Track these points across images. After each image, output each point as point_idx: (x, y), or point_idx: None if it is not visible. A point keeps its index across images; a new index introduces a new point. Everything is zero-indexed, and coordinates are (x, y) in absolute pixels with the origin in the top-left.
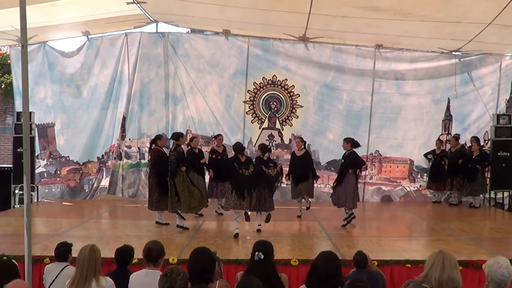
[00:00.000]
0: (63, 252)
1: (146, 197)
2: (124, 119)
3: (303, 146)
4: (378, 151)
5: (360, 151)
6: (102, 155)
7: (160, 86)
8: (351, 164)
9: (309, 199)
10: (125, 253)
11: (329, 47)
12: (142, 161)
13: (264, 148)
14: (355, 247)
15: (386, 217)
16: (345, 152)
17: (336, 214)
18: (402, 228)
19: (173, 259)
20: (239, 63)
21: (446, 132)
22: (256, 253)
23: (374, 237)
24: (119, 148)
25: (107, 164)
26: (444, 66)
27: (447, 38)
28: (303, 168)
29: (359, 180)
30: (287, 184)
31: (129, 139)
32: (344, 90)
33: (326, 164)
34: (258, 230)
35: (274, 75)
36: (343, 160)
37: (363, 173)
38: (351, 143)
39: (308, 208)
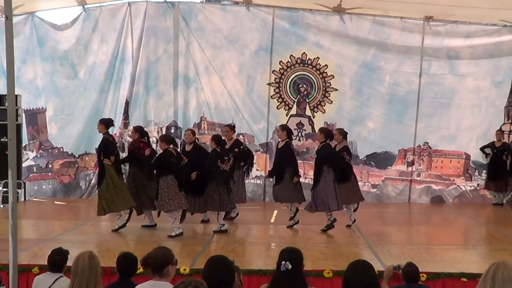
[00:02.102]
0: (58, 261)
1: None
2: (127, 104)
3: (285, 137)
4: (427, 143)
5: (406, 143)
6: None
7: (169, 65)
8: (324, 159)
9: (293, 206)
10: (128, 261)
11: (369, 19)
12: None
13: (218, 140)
14: (399, 256)
15: (437, 221)
16: (318, 146)
17: (377, 217)
18: (456, 234)
19: (184, 269)
20: (262, 39)
21: (510, 121)
22: (283, 262)
23: (423, 245)
24: (122, 138)
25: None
26: (506, 42)
27: (511, 9)
28: (278, 165)
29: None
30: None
31: (133, 127)
32: (387, 70)
33: (365, 158)
34: (215, 231)
35: (304, 53)
36: (315, 156)
37: (409, 168)
38: (325, 133)
39: (291, 220)
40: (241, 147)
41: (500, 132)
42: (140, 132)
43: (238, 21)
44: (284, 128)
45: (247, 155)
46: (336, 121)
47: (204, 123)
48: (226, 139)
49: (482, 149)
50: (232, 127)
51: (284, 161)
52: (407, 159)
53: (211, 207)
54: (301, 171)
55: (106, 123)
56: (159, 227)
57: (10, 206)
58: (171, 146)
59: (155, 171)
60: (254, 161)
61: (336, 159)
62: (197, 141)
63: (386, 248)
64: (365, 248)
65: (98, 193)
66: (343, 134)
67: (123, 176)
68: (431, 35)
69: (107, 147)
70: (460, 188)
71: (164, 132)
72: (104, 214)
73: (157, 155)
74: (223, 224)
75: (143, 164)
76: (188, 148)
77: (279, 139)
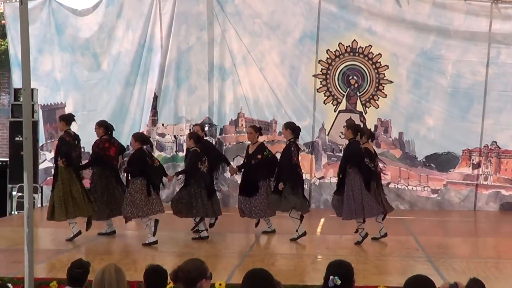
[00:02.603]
0: (79, 274)
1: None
2: (155, 98)
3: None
4: (496, 143)
5: (471, 143)
6: (127, 146)
7: (203, 55)
8: (348, 159)
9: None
10: (157, 275)
11: (428, 2)
12: (180, 154)
13: (197, 138)
14: (463, 271)
15: (507, 231)
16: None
17: (437, 227)
18: None
19: (220, 284)
20: (307, 24)
21: None
22: (331, 277)
23: (491, 259)
24: (150, 137)
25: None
26: None
27: None
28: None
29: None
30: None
31: (162, 124)
32: (449, 59)
33: (424, 160)
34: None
35: (354, 40)
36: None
37: (475, 171)
38: (353, 129)
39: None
40: (265, 153)
41: None
42: (105, 126)
43: (279, 5)
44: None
45: (271, 163)
46: (391, 117)
47: (241, 120)
48: (250, 142)
49: None
50: (257, 129)
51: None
52: (473, 160)
53: (196, 213)
54: None
55: (67, 119)
56: (187, 238)
57: (26, 213)
58: (146, 146)
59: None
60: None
61: (362, 158)
62: (204, 137)
63: (449, 262)
64: (424, 262)
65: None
66: (357, 130)
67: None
68: (500, 18)
69: (60, 146)
70: None
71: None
72: (51, 219)
73: (130, 155)
74: (205, 230)
75: (111, 166)
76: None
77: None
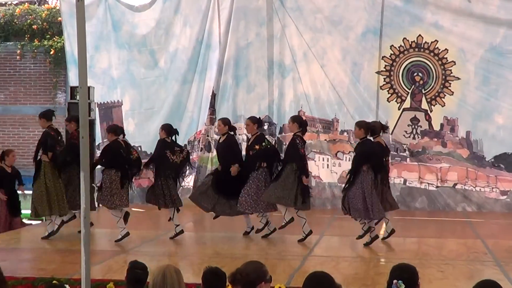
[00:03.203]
0: (141, 275)
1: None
2: (213, 96)
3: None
4: None
5: None
6: (185, 145)
7: (262, 52)
8: (363, 158)
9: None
10: (216, 277)
11: None
12: None
13: (169, 129)
14: None
15: None
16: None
17: (507, 230)
18: None
19: (279, 287)
20: (370, 19)
21: None
22: (395, 281)
23: None
24: (207, 136)
25: (191, 157)
26: None
27: None
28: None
29: None
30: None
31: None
32: None
33: (493, 160)
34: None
35: (420, 35)
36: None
37: None
38: (365, 128)
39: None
40: (263, 143)
41: None
42: (77, 121)
43: None
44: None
45: (269, 154)
46: (458, 115)
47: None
48: (250, 134)
49: None
50: (256, 120)
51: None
52: None
53: (164, 204)
54: (416, 174)
55: (47, 116)
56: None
57: (83, 213)
58: (121, 137)
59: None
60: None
61: (379, 158)
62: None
63: None
64: (492, 266)
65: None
66: (368, 128)
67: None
68: None
69: (46, 141)
70: None
71: None
72: (35, 216)
73: (104, 146)
74: (178, 225)
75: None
76: (220, 140)
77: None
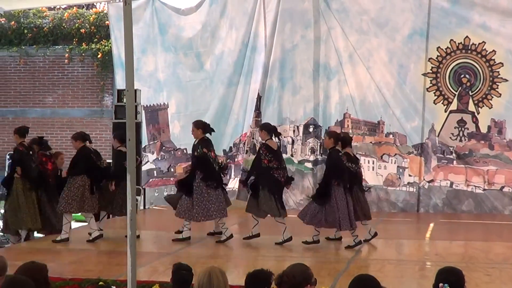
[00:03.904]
0: (186, 276)
1: (288, 205)
2: (259, 99)
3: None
4: None
5: None
6: (230, 147)
7: (308, 54)
8: (331, 173)
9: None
10: (260, 279)
11: None
12: (284, 155)
13: (122, 137)
14: None
15: None
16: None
17: None
18: None
19: None
20: (416, 21)
21: None
22: (440, 285)
23: None
24: (253, 138)
25: (236, 160)
26: None
27: None
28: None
29: None
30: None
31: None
32: None
33: None
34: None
35: (467, 37)
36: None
37: None
38: (335, 138)
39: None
40: (197, 151)
41: None
42: (40, 143)
43: (388, 1)
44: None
45: (199, 163)
46: (506, 117)
47: (347, 121)
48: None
49: None
50: (201, 125)
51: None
52: None
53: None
54: (462, 177)
55: (21, 132)
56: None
57: (129, 216)
58: (87, 143)
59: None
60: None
61: (344, 170)
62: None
63: None
64: None
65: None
66: (338, 139)
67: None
68: None
69: (18, 157)
70: None
71: (301, 132)
72: (5, 229)
73: (74, 156)
74: (95, 230)
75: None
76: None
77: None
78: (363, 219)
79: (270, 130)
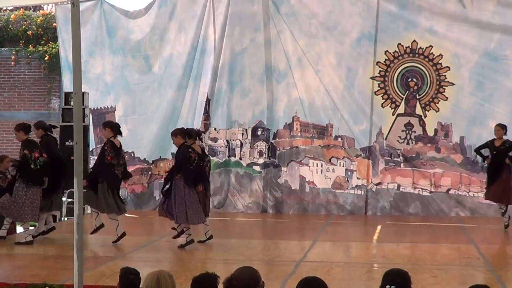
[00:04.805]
0: (134, 280)
1: (236, 208)
2: (208, 102)
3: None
4: None
5: None
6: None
7: (257, 57)
8: (176, 166)
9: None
10: (205, 283)
11: None
12: (232, 159)
13: (116, 128)
14: None
15: None
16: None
17: (500, 235)
18: None
19: None
20: (365, 25)
21: None
22: (387, 286)
23: None
24: (202, 142)
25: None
26: None
27: None
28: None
29: None
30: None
31: (215, 129)
32: None
33: (486, 165)
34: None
35: (414, 41)
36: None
37: None
38: (181, 134)
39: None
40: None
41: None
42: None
43: (337, 5)
44: (107, 125)
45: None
46: (452, 121)
47: (296, 124)
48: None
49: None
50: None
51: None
52: None
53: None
54: (409, 180)
55: None
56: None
57: (76, 219)
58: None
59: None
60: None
61: (188, 163)
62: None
63: None
64: (485, 271)
65: None
66: (185, 133)
67: None
68: None
69: None
70: None
71: (249, 135)
72: None
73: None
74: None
75: None
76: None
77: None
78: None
79: (114, 128)
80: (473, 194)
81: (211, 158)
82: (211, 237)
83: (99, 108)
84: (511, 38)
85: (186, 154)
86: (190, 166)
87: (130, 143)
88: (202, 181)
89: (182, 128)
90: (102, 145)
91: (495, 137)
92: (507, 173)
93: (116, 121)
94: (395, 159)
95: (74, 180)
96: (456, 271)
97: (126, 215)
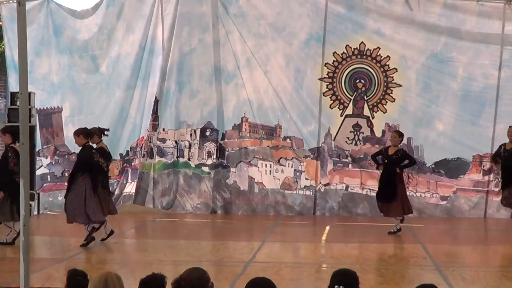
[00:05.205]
0: (82, 282)
1: (185, 209)
2: (156, 102)
3: (10, 141)
4: None
5: (483, 148)
6: (127, 152)
7: (205, 58)
8: (79, 166)
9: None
10: (153, 284)
11: (439, 2)
12: (181, 159)
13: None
14: (473, 281)
15: None
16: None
17: (446, 235)
18: None
19: None
20: (313, 26)
21: None
22: (336, 286)
23: (501, 268)
24: (150, 142)
25: (133, 164)
26: None
27: None
28: None
29: (481, 188)
30: None
31: (163, 129)
32: (460, 62)
33: (433, 166)
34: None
35: (362, 42)
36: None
37: (486, 177)
38: (84, 134)
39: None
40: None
41: None
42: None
43: (285, 6)
44: (6, 131)
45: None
46: (399, 122)
47: (245, 125)
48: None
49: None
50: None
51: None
52: (483, 166)
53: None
54: (358, 180)
55: None
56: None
57: (22, 221)
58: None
59: None
60: None
61: (91, 165)
62: None
63: (458, 271)
64: (432, 271)
65: None
66: (88, 134)
67: None
68: None
69: None
70: None
71: (198, 136)
72: None
73: None
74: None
75: None
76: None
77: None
78: (107, 215)
79: (13, 133)
80: (420, 195)
81: (160, 159)
82: (111, 232)
83: (45, 108)
84: (457, 40)
85: (89, 155)
86: (93, 166)
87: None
88: (103, 181)
89: (85, 128)
90: (4, 151)
91: (391, 144)
92: (399, 184)
93: (63, 121)
94: (344, 160)
95: (21, 182)
96: (403, 270)
97: None
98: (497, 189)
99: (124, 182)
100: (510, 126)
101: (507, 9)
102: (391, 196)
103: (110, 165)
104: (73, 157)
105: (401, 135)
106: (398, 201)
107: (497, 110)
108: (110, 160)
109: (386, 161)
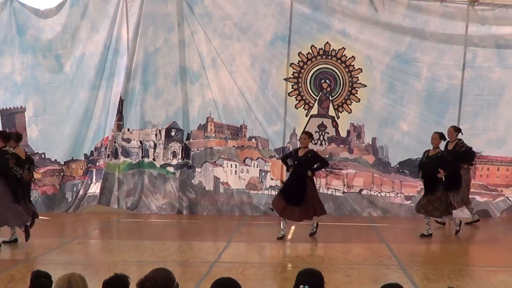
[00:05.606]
0: (45, 284)
1: (150, 209)
2: (121, 102)
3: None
4: (471, 148)
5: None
6: (91, 152)
7: (171, 58)
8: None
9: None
10: (116, 285)
11: (403, 3)
12: (146, 160)
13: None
14: (437, 279)
15: (482, 238)
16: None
17: (410, 234)
18: (504, 254)
19: None
20: (279, 26)
21: None
22: (301, 286)
23: (465, 267)
24: (115, 143)
25: (97, 164)
26: None
27: None
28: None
29: None
30: None
31: (128, 129)
32: (424, 62)
33: (397, 166)
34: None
35: (327, 43)
36: None
37: None
38: (2, 137)
39: None
40: None
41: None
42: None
43: (250, 6)
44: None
45: None
46: (364, 122)
47: (210, 125)
48: None
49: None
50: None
51: None
52: None
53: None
54: (323, 181)
55: None
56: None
57: None
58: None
59: None
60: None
61: (8, 169)
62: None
63: (422, 270)
64: (397, 270)
65: None
66: (7, 137)
67: None
68: (476, 21)
69: None
70: (510, 201)
71: (163, 136)
72: None
73: None
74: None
75: None
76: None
77: None
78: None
79: (5, 137)
80: (385, 194)
81: (125, 159)
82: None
83: (8, 108)
84: (421, 41)
85: (3, 159)
86: (9, 171)
87: (41, 144)
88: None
89: (4, 131)
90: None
91: (301, 146)
92: (311, 185)
93: (27, 121)
94: None
95: None
96: (368, 270)
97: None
98: None
99: (89, 182)
100: (434, 133)
101: (470, 10)
102: (300, 199)
103: (75, 165)
104: (37, 157)
105: (310, 136)
106: (308, 203)
107: (461, 110)
108: (24, 167)
109: (296, 162)
